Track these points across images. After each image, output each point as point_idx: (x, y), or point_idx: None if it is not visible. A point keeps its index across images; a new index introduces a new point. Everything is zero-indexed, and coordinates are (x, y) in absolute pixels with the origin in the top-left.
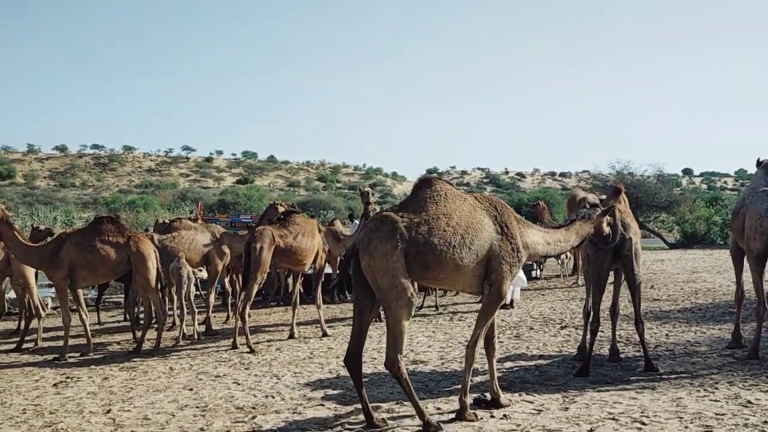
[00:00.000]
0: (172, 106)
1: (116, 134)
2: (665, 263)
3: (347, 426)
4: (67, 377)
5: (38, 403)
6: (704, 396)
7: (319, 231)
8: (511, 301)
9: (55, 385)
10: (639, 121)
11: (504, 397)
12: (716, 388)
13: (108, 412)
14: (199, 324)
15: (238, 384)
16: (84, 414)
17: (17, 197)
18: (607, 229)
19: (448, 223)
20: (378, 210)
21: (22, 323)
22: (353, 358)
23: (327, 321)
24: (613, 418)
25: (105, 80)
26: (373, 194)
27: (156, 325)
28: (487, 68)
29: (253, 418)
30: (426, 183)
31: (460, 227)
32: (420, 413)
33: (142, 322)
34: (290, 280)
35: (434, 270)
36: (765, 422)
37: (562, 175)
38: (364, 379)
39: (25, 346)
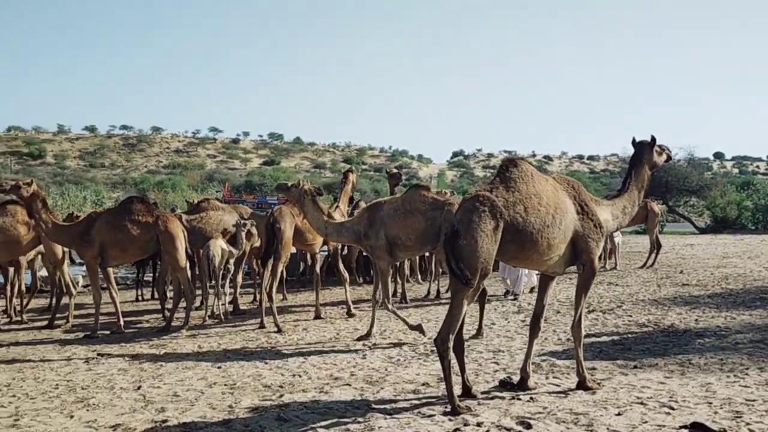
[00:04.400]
0: (200, 87)
1: (145, 115)
2: (695, 248)
3: (374, 406)
4: (99, 354)
5: (70, 379)
6: (734, 381)
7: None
8: (513, 294)
9: (86, 361)
10: (670, 104)
11: (532, 379)
12: (746, 374)
13: (138, 388)
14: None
15: (266, 363)
16: (115, 390)
17: (48, 177)
18: (661, 159)
19: (540, 203)
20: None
21: (53, 301)
22: (456, 339)
23: (352, 302)
24: (642, 402)
25: (134, 61)
26: (401, 176)
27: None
28: (514, 49)
29: (281, 396)
30: (512, 163)
31: (551, 207)
32: (450, 395)
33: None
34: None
35: (528, 250)
36: None
37: (591, 158)
38: (397, 359)
39: (56, 323)
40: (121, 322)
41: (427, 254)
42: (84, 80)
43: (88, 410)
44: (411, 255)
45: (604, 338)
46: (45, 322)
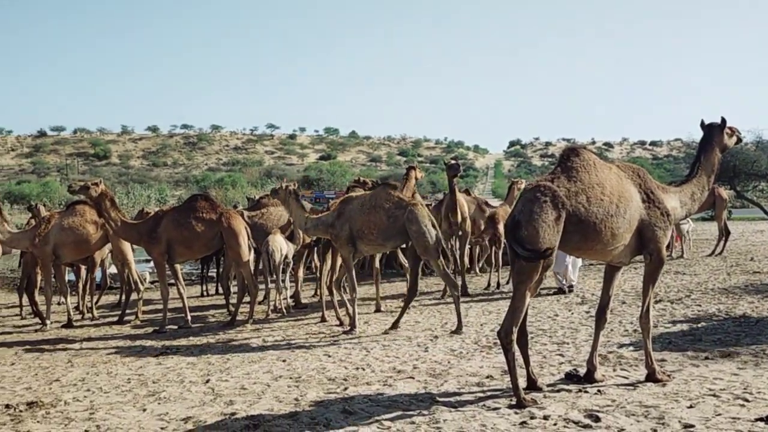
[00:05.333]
0: (257, 85)
1: (204, 114)
2: (765, 234)
3: (438, 399)
4: (167, 348)
5: (141, 373)
6: None
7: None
8: (568, 287)
9: (156, 355)
10: (736, 84)
11: (599, 371)
12: None
13: (207, 381)
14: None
15: (329, 356)
16: (185, 383)
17: (113, 176)
18: (732, 141)
19: (603, 192)
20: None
21: (123, 297)
22: (520, 331)
23: None
24: (714, 395)
25: (194, 62)
26: (459, 167)
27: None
28: (569, 33)
29: (345, 389)
30: (573, 152)
31: (614, 196)
32: (515, 388)
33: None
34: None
35: (592, 240)
36: None
37: (653, 144)
38: (459, 352)
39: (126, 318)
40: (189, 317)
41: (487, 245)
42: (146, 82)
43: (159, 403)
44: (375, 250)
45: (673, 329)
46: (115, 318)
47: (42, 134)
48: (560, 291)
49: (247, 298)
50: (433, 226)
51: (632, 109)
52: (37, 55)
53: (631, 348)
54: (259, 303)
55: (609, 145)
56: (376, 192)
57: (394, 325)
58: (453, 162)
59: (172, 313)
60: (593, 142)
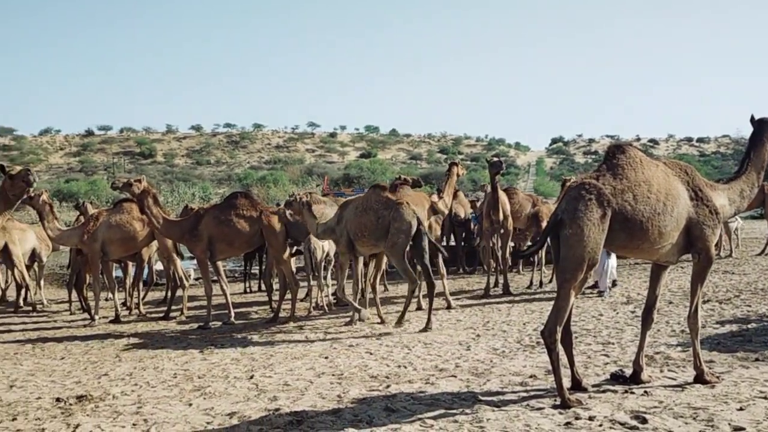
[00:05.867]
0: (298, 84)
1: (246, 113)
2: None
3: (481, 398)
4: (212, 344)
5: (187, 368)
6: None
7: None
8: (599, 291)
9: (201, 351)
10: None
11: (645, 372)
12: None
13: (251, 377)
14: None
15: (371, 354)
16: (229, 379)
17: (158, 175)
18: None
19: (649, 190)
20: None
21: (169, 293)
22: (564, 331)
23: (453, 293)
24: (765, 397)
25: (236, 63)
26: (501, 165)
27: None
28: (613, 28)
29: (387, 387)
30: (619, 149)
31: (661, 194)
32: (560, 388)
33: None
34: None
35: (638, 239)
36: None
37: (700, 140)
38: (502, 351)
39: (171, 314)
40: (232, 314)
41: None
42: (190, 82)
43: (205, 398)
44: (371, 250)
45: (722, 329)
46: (161, 314)
47: (89, 133)
48: (598, 291)
49: (288, 296)
50: (419, 222)
51: (678, 105)
52: (86, 57)
53: (679, 349)
54: (301, 300)
55: (654, 142)
56: (368, 194)
57: (427, 326)
58: (495, 159)
59: (216, 310)
60: (638, 139)
